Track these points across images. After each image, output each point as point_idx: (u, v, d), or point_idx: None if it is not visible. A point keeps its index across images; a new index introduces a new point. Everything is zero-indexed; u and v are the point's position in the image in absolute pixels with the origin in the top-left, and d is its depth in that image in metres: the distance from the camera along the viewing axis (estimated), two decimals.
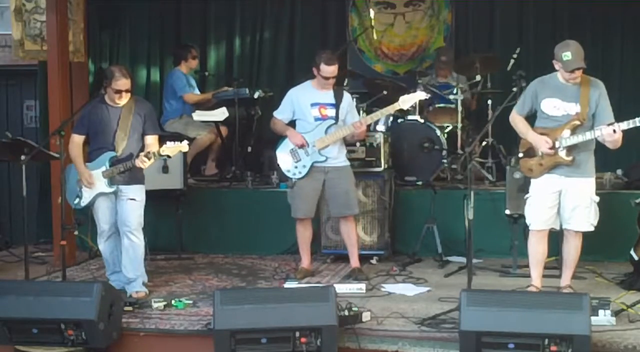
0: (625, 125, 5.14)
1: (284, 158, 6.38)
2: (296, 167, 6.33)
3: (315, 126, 6.30)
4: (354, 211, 6.47)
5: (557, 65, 5.39)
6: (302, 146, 6.28)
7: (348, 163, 6.49)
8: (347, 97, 6.43)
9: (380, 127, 7.66)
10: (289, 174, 6.38)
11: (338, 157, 6.36)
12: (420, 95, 6.44)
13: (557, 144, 5.38)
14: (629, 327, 4.94)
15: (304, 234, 6.48)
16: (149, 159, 5.68)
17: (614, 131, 5.14)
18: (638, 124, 5.09)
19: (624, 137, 5.25)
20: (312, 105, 6.32)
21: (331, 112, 6.31)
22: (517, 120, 5.60)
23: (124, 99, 5.83)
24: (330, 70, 6.24)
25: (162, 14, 9.39)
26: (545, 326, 4.46)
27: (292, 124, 6.46)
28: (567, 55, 5.27)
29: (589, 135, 5.32)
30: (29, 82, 9.15)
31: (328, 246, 7.15)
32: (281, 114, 6.43)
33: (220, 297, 4.79)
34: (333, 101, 6.31)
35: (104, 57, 9.08)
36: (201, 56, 8.87)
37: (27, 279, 5.87)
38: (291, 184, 6.40)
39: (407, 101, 6.29)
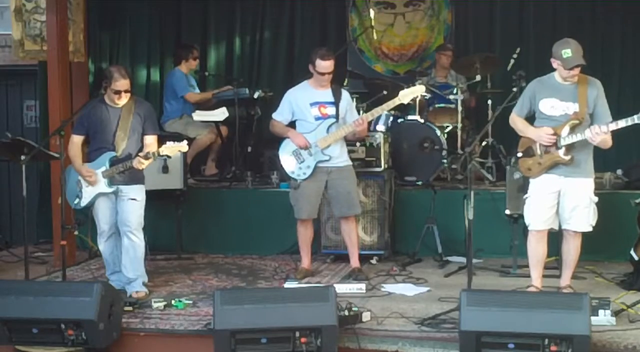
0: (613, 125, 5.15)
1: (287, 160, 6.35)
2: (300, 168, 6.30)
3: (317, 126, 6.28)
4: (356, 211, 6.46)
5: (555, 64, 5.38)
6: (305, 147, 6.27)
7: (350, 163, 6.48)
8: (345, 95, 6.41)
9: (380, 127, 7.66)
10: (294, 176, 6.34)
11: (340, 157, 6.34)
12: (419, 89, 6.39)
13: (556, 142, 5.38)
14: (629, 327, 4.94)
15: (305, 235, 6.47)
16: (148, 159, 5.67)
17: (597, 133, 5.15)
18: (630, 123, 5.07)
19: (625, 137, 5.26)
20: (312, 104, 6.30)
21: (331, 110, 6.29)
22: (516, 120, 5.60)
23: (124, 100, 5.83)
24: (325, 65, 6.22)
25: (162, 14, 9.39)
26: (545, 326, 4.46)
27: (291, 125, 6.45)
28: (567, 53, 5.27)
29: (587, 134, 5.32)
30: (29, 82, 9.16)
31: (328, 246, 7.15)
32: (280, 116, 6.41)
33: (220, 297, 4.79)
34: (332, 99, 6.29)
35: (104, 57, 9.07)
36: (201, 56, 8.87)
37: (27, 279, 5.87)
38: (295, 185, 6.36)
39: (407, 95, 6.26)
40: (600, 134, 5.18)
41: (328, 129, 6.27)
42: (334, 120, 6.28)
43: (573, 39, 5.42)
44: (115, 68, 5.91)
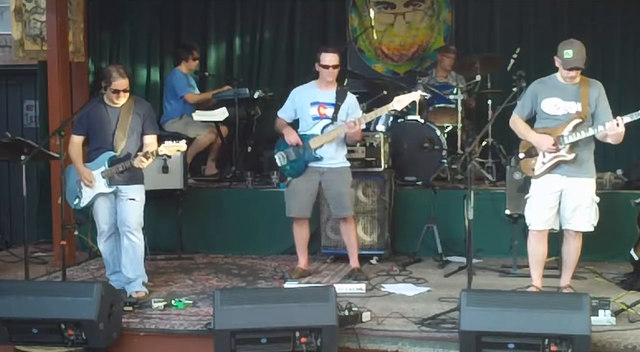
0: (628, 118, 5.16)
1: (279, 156, 6.40)
2: (291, 166, 6.34)
3: (313, 125, 6.29)
4: (348, 212, 6.39)
5: (557, 62, 5.41)
6: (296, 145, 6.28)
7: (346, 164, 6.45)
8: (350, 98, 6.37)
9: (380, 127, 7.67)
10: (285, 173, 6.43)
11: (334, 158, 6.32)
12: (414, 95, 6.32)
13: (559, 142, 5.38)
14: (629, 327, 4.94)
15: (299, 234, 6.47)
16: (148, 158, 5.67)
17: (617, 124, 5.16)
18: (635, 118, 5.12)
19: (624, 136, 5.26)
20: (312, 104, 6.30)
21: (330, 111, 6.28)
22: (517, 122, 5.60)
23: (122, 99, 5.83)
24: (327, 57, 6.21)
25: (162, 14, 9.39)
26: (545, 326, 4.46)
27: (297, 123, 6.45)
28: (568, 53, 5.30)
29: (591, 131, 5.34)
30: (29, 82, 9.16)
31: (328, 246, 7.15)
32: (283, 113, 6.44)
33: (220, 297, 4.79)
34: (333, 101, 6.29)
35: (104, 57, 9.07)
36: (201, 56, 8.87)
37: (27, 279, 5.86)
38: (287, 183, 6.42)
39: (401, 102, 6.24)
40: (616, 128, 5.16)
41: (323, 129, 6.27)
42: (329, 121, 6.27)
43: (573, 39, 5.44)
44: (114, 67, 5.89)
